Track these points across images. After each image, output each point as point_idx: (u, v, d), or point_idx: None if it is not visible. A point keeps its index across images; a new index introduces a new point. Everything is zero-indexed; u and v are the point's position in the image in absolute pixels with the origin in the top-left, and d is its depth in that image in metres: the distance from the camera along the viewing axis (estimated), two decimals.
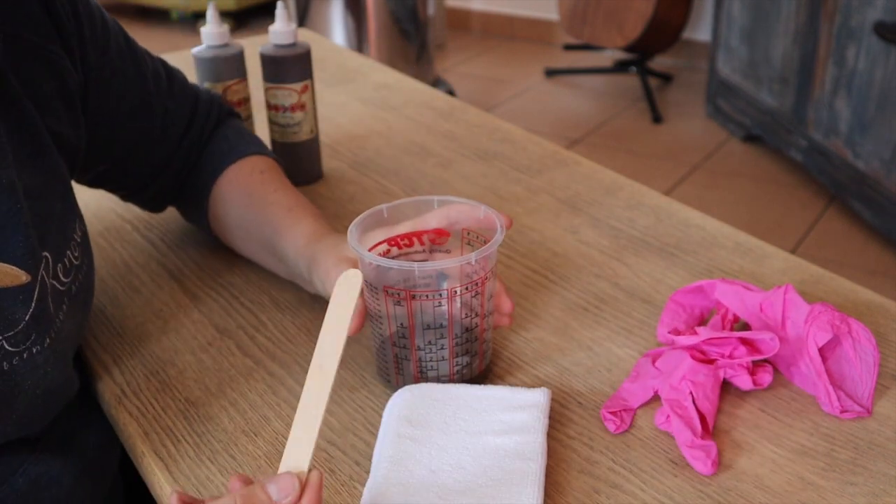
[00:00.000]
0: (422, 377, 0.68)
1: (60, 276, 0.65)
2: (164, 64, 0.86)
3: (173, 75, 0.86)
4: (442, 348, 0.66)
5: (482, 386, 0.66)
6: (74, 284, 0.68)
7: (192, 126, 0.86)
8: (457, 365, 0.67)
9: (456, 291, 0.64)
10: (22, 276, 0.61)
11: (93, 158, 0.78)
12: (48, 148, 0.67)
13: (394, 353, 0.67)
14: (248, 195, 0.83)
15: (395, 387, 0.68)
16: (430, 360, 0.67)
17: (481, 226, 0.69)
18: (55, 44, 0.69)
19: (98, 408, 0.75)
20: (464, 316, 0.65)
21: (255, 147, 0.88)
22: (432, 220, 0.69)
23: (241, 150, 0.87)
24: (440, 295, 0.64)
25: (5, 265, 0.60)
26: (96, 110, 0.76)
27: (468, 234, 0.70)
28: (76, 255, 0.68)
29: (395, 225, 0.70)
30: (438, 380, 0.68)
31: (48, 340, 0.63)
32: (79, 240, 0.69)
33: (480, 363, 0.69)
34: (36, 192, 0.64)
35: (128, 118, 0.80)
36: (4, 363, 0.60)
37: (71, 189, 0.71)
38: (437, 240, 0.70)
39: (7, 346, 0.60)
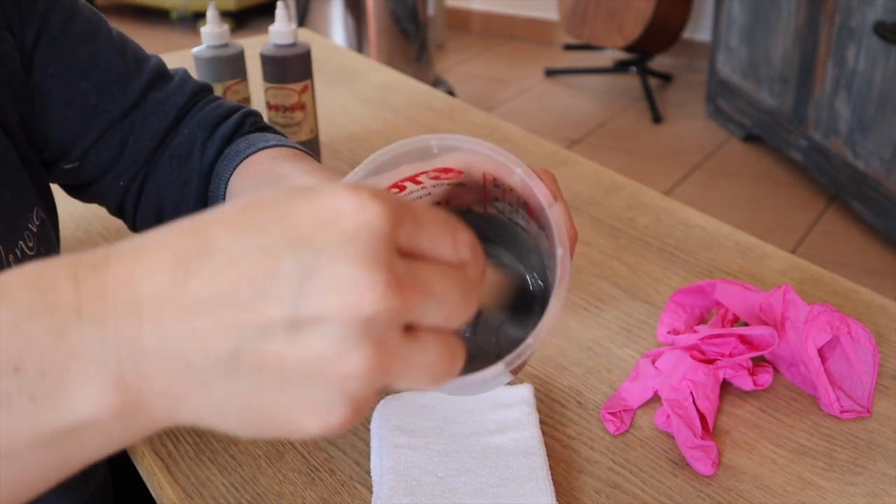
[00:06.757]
0: None
1: (13, 265, 0.63)
2: (121, 36, 0.76)
3: (125, 42, 0.76)
4: None
5: None
6: None
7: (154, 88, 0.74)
8: None
9: None
10: None
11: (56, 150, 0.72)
12: None
13: None
14: (255, 179, 0.71)
15: None
16: None
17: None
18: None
19: None
20: None
21: (275, 141, 0.74)
22: (440, 162, 0.51)
23: (258, 145, 0.74)
24: None
25: None
26: (43, 79, 0.70)
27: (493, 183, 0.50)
28: (31, 245, 0.66)
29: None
30: None
31: None
32: (35, 230, 0.67)
33: None
34: None
35: (77, 76, 0.71)
36: None
37: (26, 179, 0.67)
38: (442, 176, 0.51)
39: None
